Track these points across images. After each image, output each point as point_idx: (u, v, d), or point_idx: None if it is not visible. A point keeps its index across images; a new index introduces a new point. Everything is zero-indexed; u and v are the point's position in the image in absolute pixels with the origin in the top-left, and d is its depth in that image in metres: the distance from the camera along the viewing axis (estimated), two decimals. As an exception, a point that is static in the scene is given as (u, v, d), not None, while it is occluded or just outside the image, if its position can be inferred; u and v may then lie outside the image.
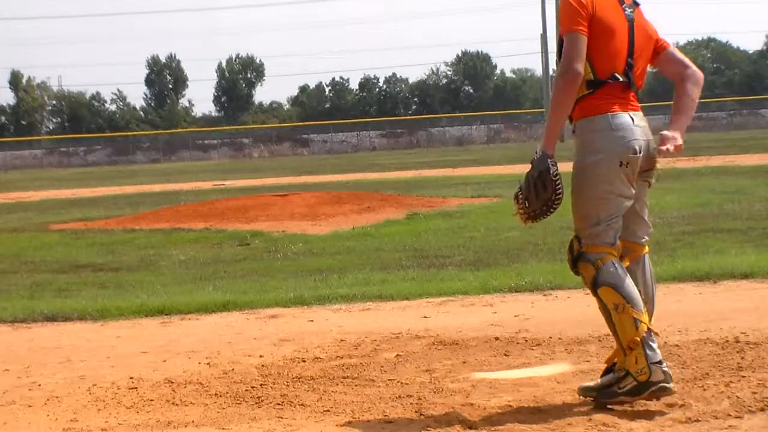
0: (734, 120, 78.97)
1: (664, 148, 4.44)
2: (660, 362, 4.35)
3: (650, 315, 4.46)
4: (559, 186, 4.36)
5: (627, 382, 4.37)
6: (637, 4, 4.57)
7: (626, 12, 4.49)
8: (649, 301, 4.50)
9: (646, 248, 4.59)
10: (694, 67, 4.68)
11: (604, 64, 4.40)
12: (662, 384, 4.33)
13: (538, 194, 4.37)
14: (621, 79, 4.43)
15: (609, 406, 4.42)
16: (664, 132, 4.49)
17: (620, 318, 4.36)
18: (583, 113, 4.45)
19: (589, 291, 4.52)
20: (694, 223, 12.53)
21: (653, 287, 4.59)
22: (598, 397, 4.46)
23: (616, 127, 4.39)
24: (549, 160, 4.35)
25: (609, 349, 5.56)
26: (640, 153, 4.40)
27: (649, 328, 4.36)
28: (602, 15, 4.40)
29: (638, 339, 4.33)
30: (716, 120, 79.31)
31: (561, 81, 4.35)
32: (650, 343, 4.36)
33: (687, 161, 29.31)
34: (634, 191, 4.43)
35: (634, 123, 4.43)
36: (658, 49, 4.64)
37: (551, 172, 4.34)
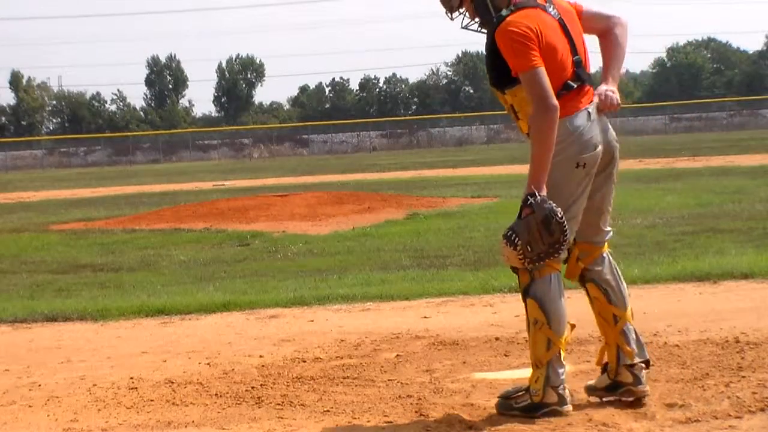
0: (734, 120, 78.91)
1: (609, 103, 4.37)
2: (558, 386, 4.29)
3: (623, 308, 4.49)
4: (566, 227, 4.24)
5: (523, 399, 4.34)
6: None
7: (552, 14, 4.38)
8: (619, 294, 4.50)
9: (605, 247, 4.55)
10: (617, 14, 4.57)
11: (555, 80, 4.29)
12: (554, 407, 4.29)
13: (543, 238, 4.21)
14: (574, 85, 4.35)
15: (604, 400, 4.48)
16: (604, 90, 4.40)
17: (536, 334, 4.33)
18: None
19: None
20: (694, 223, 12.53)
21: (621, 281, 4.55)
22: (498, 406, 4.41)
23: (573, 129, 4.32)
24: (549, 205, 4.21)
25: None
26: (599, 148, 4.35)
27: (560, 352, 4.30)
28: (546, 37, 4.30)
29: (545, 361, 4.30)
30: (716, 120, 79.28)
31: (541, 119, 4.19)
32: (557, 367, 4.29)
33: (687, 161, 29.33)
34: (586, 192, 4.39)
35: (590, 118, 4.36)
36: (578, 16, 4.53)
37: (558, 215, 4.20)
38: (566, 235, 4.24)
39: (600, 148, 4.37)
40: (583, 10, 4.56)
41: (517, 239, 4.23)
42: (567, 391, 4.35)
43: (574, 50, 4.40)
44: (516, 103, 4.41)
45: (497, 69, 4.37)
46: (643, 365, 4.48)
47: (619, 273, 4.57)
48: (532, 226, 4.22)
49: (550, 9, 4.39)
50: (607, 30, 4.54)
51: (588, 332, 6.01)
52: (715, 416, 4.23)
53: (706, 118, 79.70)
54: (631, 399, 4.43)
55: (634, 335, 4.50)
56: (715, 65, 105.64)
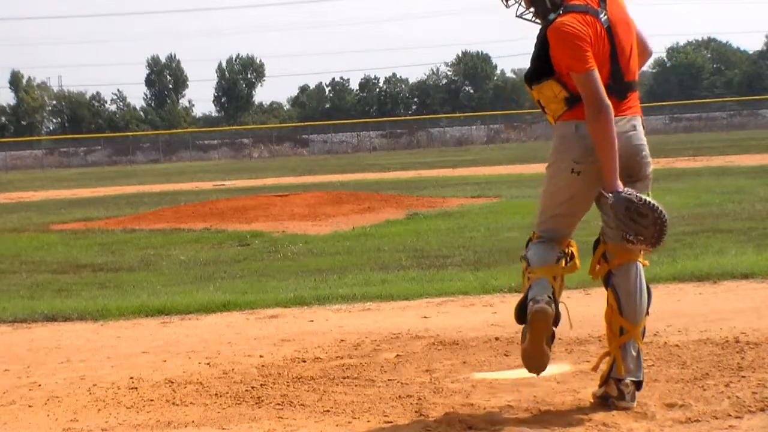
0: (734, 120, 78.91)
1: None
2: (536, 300, 4.42)
3: (633, 323, 4.42)
4: (650, 202, 4.29)
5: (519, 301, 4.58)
6: None
7: (602, 19, 4.39)
8: (633, 308, 4.43)
9: (636, 256, 4.48)
10: (651, 47, 4.68)
11: None
12: (530, 300, 4.46)
13: (641, 223, 4.29)
14: (606, 92, 4.33)
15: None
16: None
17: (523, 279, 4.62)
18: (560, 117, 4.46)
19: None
20: (694, 223, 12.52)
21: (641, 297, 4.45)
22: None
23: (580, 134, 4.35)
24: (622, 195, 4.28)
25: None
26: (598, 162, 4.30)
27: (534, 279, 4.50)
28: (595, 43, 4.35)
29: (523, 287, 4.57)
30: (716, 120, 79.29)
31: (596, 119, 4.27)
32: (535, 286, 4.47)
33: (687, 161, 29.33)
34: (580, 203, 4.42)
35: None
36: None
37: (636, 200, 4.27)
38: (657, 208, 4.29)
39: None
40: (634, 23, 4.59)
41: (630, 236, 4.33)
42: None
43: (614, 59, 4.40)
44: (542, 99, 4.50)
45: (539, 63, 4.44)
46: (633, 385, 4.41)
47: (643, 289, 4.48)
48: (626, 220, 4.30)
49: (602, 15, 4.41)
50: (639, 54, 4.59)
51: (587, 332, 6.02)
52: (715, 416, 4.23)
53: (706, 118, 79.69)
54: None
55: (634, 353, 4.43)
56: (715, 65, 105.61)
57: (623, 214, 4.29)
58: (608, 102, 4.28)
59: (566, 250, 4.56)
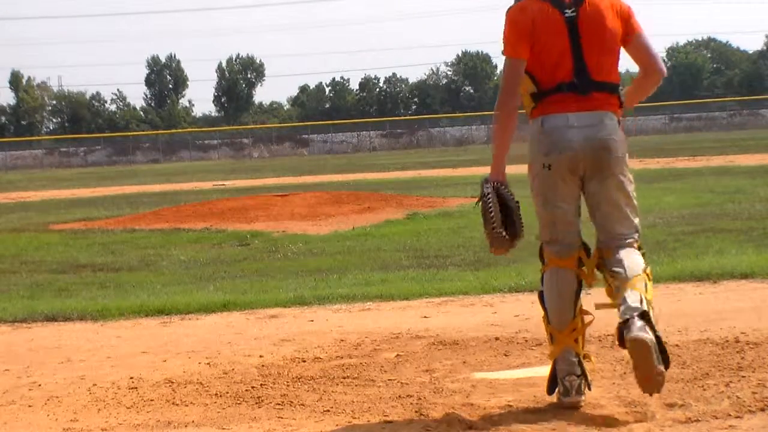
0: (734, 120, 78.95)
1: None
2: (565, 377, 4.42)
3: (618, 276, 4.33)
4: (488, 206, 4.40)
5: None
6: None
7: (566, 15, 4.38)
8: (616, 268, 4.35)
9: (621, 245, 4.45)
10: (663, 66, 4.59)
11: (547, 76, 4.39)
12: (561, 398, 4.45)
13: (486, 221, 4.46)
14: (567, 88, 4.36)
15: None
16: None
17: (544, 327, 4.58)
18: (530, 116, 4.54)
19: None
20: (694, 223, 12.52)
21: (623, 260, 4.36)
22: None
23: (545, 129, 4.40)
24: (484, 188, 4.45)
25: (609, 348, 5.57)
26: (565, 152, 4.34)
27: (564, 347, 4.45)
28: (540, 29, 4.37)
29: (552, 354, 4.51)
30: (716, 120, 79.32)
31: (497, 109, 4.47)
32: (566, 356, 4.45)
33: (687, 161, 29.33)
34: (563, 195, 4.42)
35: (569, 123, 4.36)
36: (629, 32, 4.50)
37: (483, 197, 4.43)
38: (488, 214, 4.41)
39: (570, 153, 4.35)
40: (636, 34, 4.51)
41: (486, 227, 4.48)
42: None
43: (577, 55, 4.38)
44: (524, 98, 4.55)
45: None
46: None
47: (637, 256, 4.40)
48: (482, 212, 4.48)
49: (568, 10, 4.38)
50: (645, 70, 4.57)
51: (588, 332, 6.00)
52: (715, 416, 4.23)
53: (706, 118, 79.73)
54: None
55: (633, 297, 4.27)
56: (715, 65, 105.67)
57: (480, 205, 4.43)
58: (514, 104, 4.41)
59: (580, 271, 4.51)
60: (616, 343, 4.32)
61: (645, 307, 4.19)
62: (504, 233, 4.42)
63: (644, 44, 4.55)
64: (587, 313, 4.57)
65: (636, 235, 4.50)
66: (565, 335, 4.47)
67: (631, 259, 4.39)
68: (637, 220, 4.50)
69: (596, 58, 4.40)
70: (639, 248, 4.49)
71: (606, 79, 4.43)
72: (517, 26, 4.40)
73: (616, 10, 4.48)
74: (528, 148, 4.51)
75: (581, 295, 4.55)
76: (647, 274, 4.36)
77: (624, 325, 4.15)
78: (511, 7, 4.46)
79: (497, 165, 4.50)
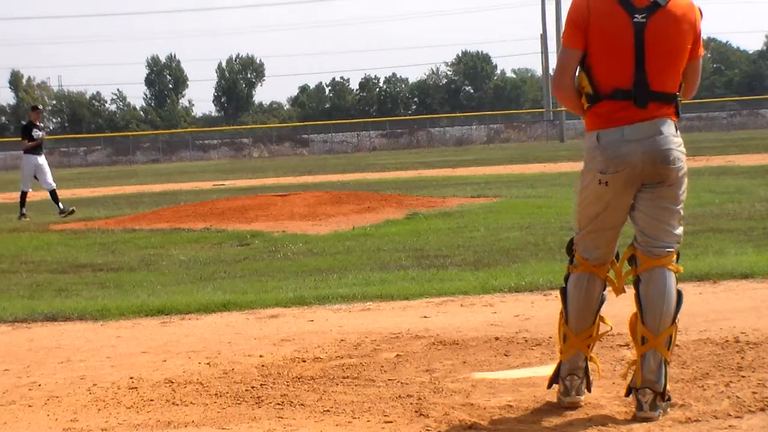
0: (734, 120, 78.91)
1: None
2: (567, 376, 4.49)
3: (649, 328, 4.30)
4: None
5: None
6: (659, 6, 4.24)
7: (635, 19, 4.21)
8: (649, 317, 4.30)
9: (660, 261, 4.37)
10: (695, 91, 4.55)
11: (604, 78, 4.28)
12: (561, 397, 4.51)
13: None
14: (623, 96, 4.25)
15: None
16: None
17: (559, 323, 4.62)
18: (586, 126, 4.44)
19: None
20: (694, 223, 12.51)
21: (659, 305, 4.31)
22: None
23: (601, 145, 4.30)
24: None
25: (609, 348, 5.57)
26: (622, 170, 4.26)
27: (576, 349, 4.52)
28: (599, 26, 4.25)
29: (563, 354, 4.55)
30: (716, 120, 79.27)
31: (556, 94, 4.53)
32: (574, 358, 4.51)
33: (687, 161, 29.28)
34: (613, 210, 4.38)
35: (624, 136, 4.26)
36: (693, 57, 4.39)
37: None
38: None
39: (629, 170, 4.26)
40: (697, 60, 4.44)
41: None
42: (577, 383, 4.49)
43: (640, 63, 4.24)
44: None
45: None
46: (653, 394, 4.26)
47: (670, 297, 4.32)
48: None
49: (637, 14, 4.22)
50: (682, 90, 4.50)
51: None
52: (715, 416, 4.23)
53: (706, 118, 79.65)
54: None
55: (654, 364, 4.28)
56: (715, 65, 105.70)
57: None
58: (565, 82, 4.38)
59: (607, 280, 4.52)
60: (623, 393, 4.47)
61: (662, 383, 4.27)
62: None
63: (696, 71, 4.47)
64: (604, 321, 4.58)
65: (676, 245, 4.42)
66: (580, 339, 4.50)
67: (667, 304, 4.31)
68: (680, 230, 4.42)
69: (659, 69, 4.26)
70: (677, 256, 4.43)
71: (665, 90, 4.30)
72: (572, 16, 4.33)
73: (690, 23, 4.31)
74: (584, 158, 4.44)
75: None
76: (676, 324, 4.36)
77: (637, 393, 4.28)
78: None
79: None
